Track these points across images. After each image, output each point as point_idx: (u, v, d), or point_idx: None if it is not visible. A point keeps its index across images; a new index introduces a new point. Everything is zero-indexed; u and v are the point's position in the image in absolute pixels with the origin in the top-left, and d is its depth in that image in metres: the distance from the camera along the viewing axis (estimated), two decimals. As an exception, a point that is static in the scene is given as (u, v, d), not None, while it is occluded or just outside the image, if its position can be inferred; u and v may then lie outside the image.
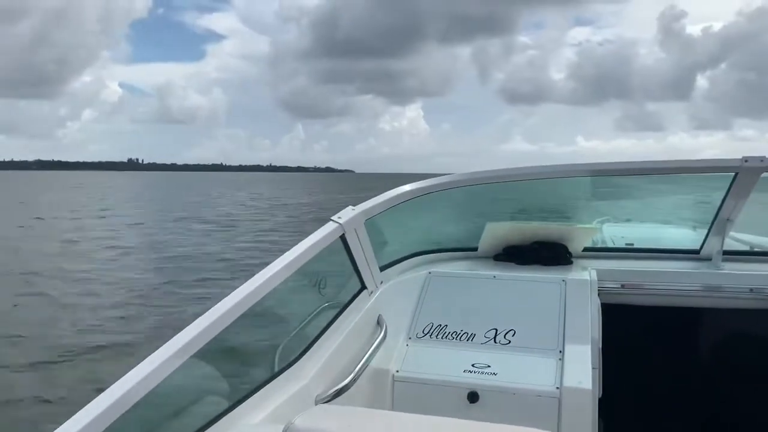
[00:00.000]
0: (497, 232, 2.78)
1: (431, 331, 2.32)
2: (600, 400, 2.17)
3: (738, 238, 3.97)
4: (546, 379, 2.03)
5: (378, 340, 2.10)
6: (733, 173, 2.27)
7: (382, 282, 2.37)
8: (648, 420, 2.92)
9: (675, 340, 2.98)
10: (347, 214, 2.07)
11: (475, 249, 2.85)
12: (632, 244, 3.86)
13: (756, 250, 3.57)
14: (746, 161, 2.17)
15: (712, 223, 2.56)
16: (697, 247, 2.73)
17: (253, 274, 1.66)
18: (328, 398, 1.80)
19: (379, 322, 2.22)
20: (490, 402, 2.02)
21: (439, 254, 2.83)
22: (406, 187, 2.34)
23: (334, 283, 2.33)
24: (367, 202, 2.20)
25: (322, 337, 1.97)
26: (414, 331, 2.33)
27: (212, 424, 1.47)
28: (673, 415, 2.92)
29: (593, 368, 2.07)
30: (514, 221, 3.01)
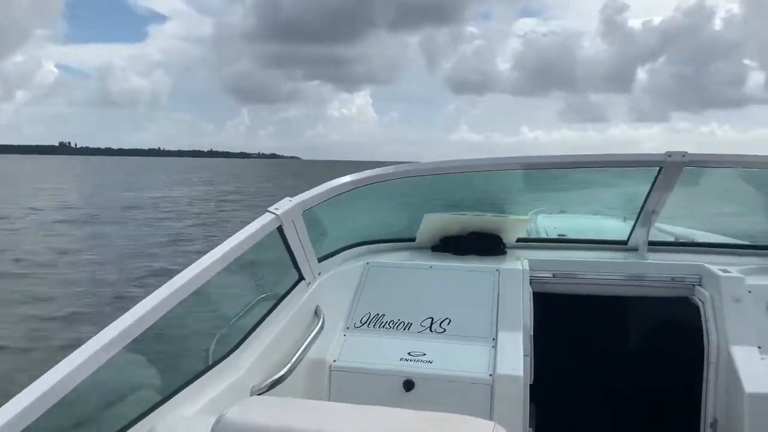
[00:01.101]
0: (435, 223, 2.84)
1: (369, 321, 2.35)
2: (531, 386, 2.26)
3: (664, 230, 4.17)
4: (480, 367, 2.10)
5: (315, 331, 2.11)
6: (658, 167, 2.38)
7: (320, 273, 2.38)
8: (578, 404, 3.05)
9: (603, 326, 3.12)
10: (284, 205, 2.07)
11: (414, 240, 2.90)
12: (564, 235, 3.99)
13: (680, 240, 3.77)
14: (670, 156, 2.28)
15: (639, 215, 2.68)
16: (625, 238, 2.85)
17: (188, 266, 1.65)
18: (264, 389, 1.80)
19: (316, 313, 2.23)
20: (425, 390, 2.07)
21: (377, 245, 2.86)
22: (345, 179, 2.36)
23: (272, 274, 2.33)
24: (304, 193, 2.20)
25: (259, 328, 1.97)
26: (352, 321, 2.36)
27: (144, 417, 1.45)
28: (603, 399, 3.06)
29: (525, 355, 2.16)
30: (451, 213, 3.07)
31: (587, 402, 3.05)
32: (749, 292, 2.20)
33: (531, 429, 2.23)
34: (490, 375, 2.05)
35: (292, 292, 2.19)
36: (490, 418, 2.00)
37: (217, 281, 1.72)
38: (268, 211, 2.01)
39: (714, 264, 2.41)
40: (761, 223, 3.46)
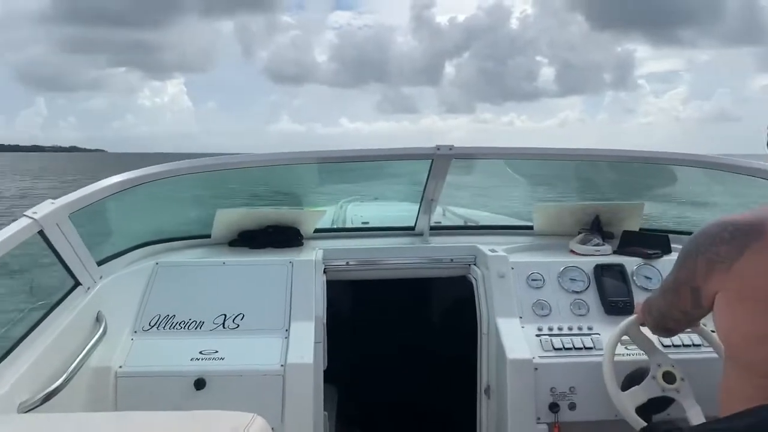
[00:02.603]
0: (229, 218, 2.81)
1: (158, 323, 2.28)
2: (332, 370, 2.35)
3: (455, 212, 4.56)
4: (271, 359, 2.13)
5: (96, 338, 2.00)
6: (430, 160, 2.58)
7: (101, 277, 2.25)
8: (378, 380, 3.23)
9: (397, 308, 3.34)
10: (45, 208, 1.92)
11: (210, 236, 2.85)
12: (367, 223, 4.18)
13: (467, 224, 4.14)
14: (438, 149, 2.49)
15: (420, 203, 2.89)
16: (413, 224, 3.06)
17: None
18: (35, 405, 1.67)
19: (98, 319, 2.11)
20: (217, 387, 2.06)
21: (170, 243, 2.77)
22: (113, 179, 2.24)
23: (42, 282, 2.16)
24: (69, 195, 2.06)
25: (27, 339, 1.81)
26: (140, 325, 2.27)
27: None
28: (400, 374, 3.28)
29: (317, 342, 2.23)
30: (246, 207, 3.07)
31: (386, 377, 3.25)
32: (512, 268, 2.48)
33: (326, 413, 2.32)
34: (282, 365, 2.10)
35: (67, 299, 2.05)
36: (282, 407, 2.07)
37: None
38: (25, 215, 1.86)
39: (486, 244, 2.68)
40: (526, 205, 3.90)
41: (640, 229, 2.88)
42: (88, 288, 2.15)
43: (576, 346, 2.24)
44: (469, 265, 2.66)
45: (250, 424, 1.05)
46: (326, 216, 4.31)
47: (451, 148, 2.47)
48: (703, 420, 1.84)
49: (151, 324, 2.27)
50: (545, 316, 2.37)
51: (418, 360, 3.29)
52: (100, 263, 2.28)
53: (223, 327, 2.27)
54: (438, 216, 4.29)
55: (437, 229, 3.09)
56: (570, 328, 2.32)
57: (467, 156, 2.64)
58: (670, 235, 2.68)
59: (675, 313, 1.64)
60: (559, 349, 2.24)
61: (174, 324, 2.28)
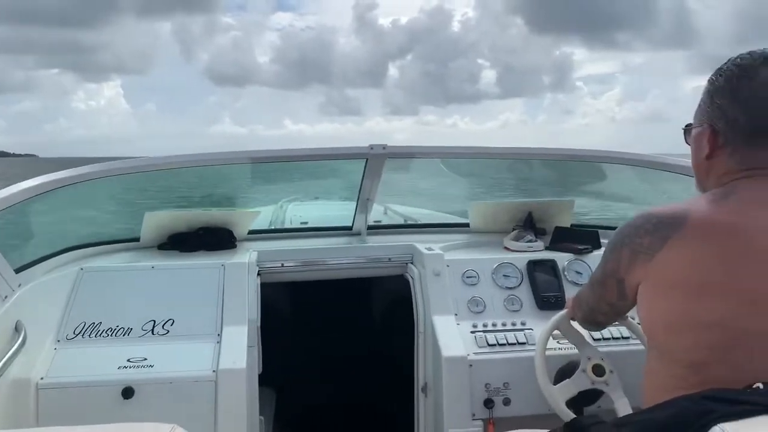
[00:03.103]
0: (159, 221, 2.73)
1: (83, 331, 2.18)
2: (270, 374, 2.31)
3: (396, 211, 4.57)
4: (203, 364, 2.07)
5: (14, 349, 1.89)
6: (365, 159, 2.57)
7: (20, 285, 2.13)
8: (321, 384, 3.20)
9: (337, 309, 3.31)
10: None
11: (138, 240, 2.76)
12: (307, 223, 4.14)
13: (407, 222, 4.15)
14: (372, 149, 2.48)
15: (357, 203, 2.87)
16: (350, 224, 3.04)
17: None
18: None
19: (17, 329, 2.00)
20: (146, 395, 1.99)
21: (97, 248, 2.67)
22: (32, 182, 2.13)
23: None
24: None
25: None
26: (63, 333, 2.17)
27: None
28: (340, 373, 3.26)
29: (250, 346, 2.18)
30: (175, 209, 2.99)
31: (327, 379, 3.22)
32: (448, 266, 2.49)
33: (262, 417, 2.27)
34: (214, 371, 2.04)
35: None
36: (215, 414, 2.01)
37: None
38: None
39: (423, 243, 2.68)
40: (457, 203, 3.94)
41: (572, 225, 2.95)
42: (5, 297, 2.04)
43: (509, 341, 2.27)
44: (407, 263, 2.66)
45: None
46: (265, 216, 4.25)
47: (384, 147, 2.46)
48: (630, 411, 1.88)
49: (76, 332, 2.17)
50: (480, 312, 2.39)
51: (358, 360, 3.28)
52: (18, 270, 2.17)
53: (153, 333, 2.20)
54: (379, 215, 4.30)
55: (375, 228, 3.08)
56: (504, 324, 2.35)
57: (400, 155, 2.65)
58: (600, 231, 2.76)
59: (603, 306, 1.67)
60: (493, 345, 2.26)
61: (100, 332, 2.18)
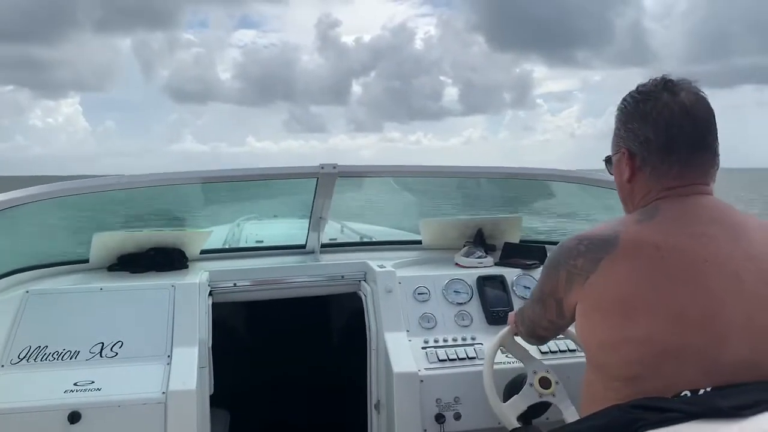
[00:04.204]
0: (107, 242, 2.69)
1: (28, 355, 2.13)
2: (224, 394, 2.30)
3: (352, 228, 4.59)
4: (152, 386, 2.05)
5: None
6: (316, 178, 2.59)
7: None
8: (277, 403, 3.18)
9: (293, 328, 3.30)
10: None
11: (87, 261, 2.71)
12: (262, 241, 4.12)
13: (360, 239, 4.17)
14: (323, 168, 2.50)
15: (309, 221, 2.89)
16: (304, 242, 3.05)
17: None
18: None
19: None
20: (93, 419, 1.95)
21: (43, 270, 2.61)
22: None
23: None
24: None
25: None
26: (7, 358, 2.12)
27: None
28: (294, 392, 3.25)
29: (201, 367, 2.17)
30: (125, 230, 2.95)
31: (282, 398, 3.20)
32: (399, 283, 2.52)
33: None
34: (163, 393, 2.02)
35: None
36: None
37: None
38: None
39: (377, 260, 2.71)
40: (412, 220, 3.98)
41: (521, 241, 3.02)
42: None
43: (460, 356, 2.31)
44: (359, 281, 2.68)
45: None
46: (220, 235, 4.21)
47: (334, 166, 2.49)
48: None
49: (20, 356, 2.13)
50: (431, 328, 2.42)
51: (314, 379, 3.27)
52: None
53: (101, 356, 2.16)
54: (336, 233, 4.31)
55: (329, 246, 3.09)
56: (455, 339, 2.38)
57: (351, 174, 2.68)
58: (548, 246, 2.83)
59: (543, 322, 1.73)
60: (444, 360, 2.29)
61: (46, 355, 2.14)
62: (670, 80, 1.47)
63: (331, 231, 4.03)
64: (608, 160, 1.63)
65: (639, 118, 1.47)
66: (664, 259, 1.35)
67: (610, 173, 1.63)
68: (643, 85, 1.50)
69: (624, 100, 1.52)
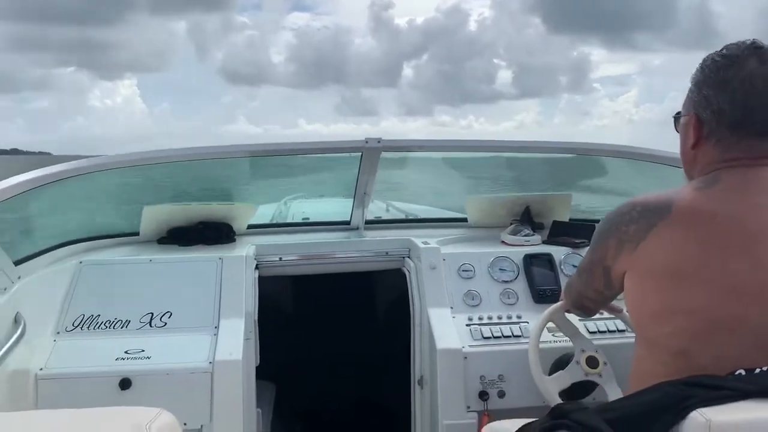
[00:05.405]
0: (157, 215, 2.75)
1: (82, 323, 2.21)
2: (270, 367, 2.33)
3: (398, 207, 4.58)
4: (199, 356, 2.09)
5: (13, 339, 1.92)
6: (360, 153, 2.58)
7: (20, 277, 2.16)
8: (322, 377, 3.21)
9: (333, 303, 3.33)
10: None
11: (138, 234, 2.78)
12: (308, 218, 4.16)
13: (405, 217, 4.16)
14: (367, 142, 2.48)
15: (354, 197, 2.88)
16: (348, 219, 3.05)
17: None
18: None
19: (16, 320, 2.03)
20: (143, 386, 2.01)
21: (96, 242, 2.69)
22: (28, 175, 2.15)
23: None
24: None
25: None
26: (63, 325, 2.20)
27: None
28: (339, 368, 3.27)
29: (246, 339, 2.20)
30: (174, 203, 3.01)
31: (324, 371, 3.23)
32: (444, 260, 2.50)
33: (259, 409, 2.29)
34: (210, 363, 2.06)
35: None
36: (211, 405, 2.03)
37: None
38: None
39: (421, 237, 2.69)
40: (459, 201, 3.94)
41: (570, 219, 2.95)
42: (5, 288, 2.07)
43: (505, 334, 2.27)
44: (404, 257, 2.67)
45: (155, 419, 1.01)
46: (267, 213, 4.27)
47: (379, 140, 2.47)
48: None
49: (75, 324, 2.20)
50: (476, 306, 2.40)
51: (358, 354, 3.29)
52: (18, 263, 2.20)
53: (150, 326, 2.22)
54: (381, 211, 4.31)
55: (374, 223, 3.08)
56: (499, 317, 2.35)
57: (396, 148, 2.65)
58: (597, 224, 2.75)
59: (590, 292, 1.68)
60: (488, 337, 2.26)
61: (98, 324, 2.21)
62: (761, 46, 1.34)
63: (377, 210, 4.02)
64: (677, 118, 1.52)
65: (716, 85, 1.35)
66: (720, 227, 1.28)
67: (676, 130, 1.53)
68: (729, 47, 1.37)
69: (704, 60, 1.40)
